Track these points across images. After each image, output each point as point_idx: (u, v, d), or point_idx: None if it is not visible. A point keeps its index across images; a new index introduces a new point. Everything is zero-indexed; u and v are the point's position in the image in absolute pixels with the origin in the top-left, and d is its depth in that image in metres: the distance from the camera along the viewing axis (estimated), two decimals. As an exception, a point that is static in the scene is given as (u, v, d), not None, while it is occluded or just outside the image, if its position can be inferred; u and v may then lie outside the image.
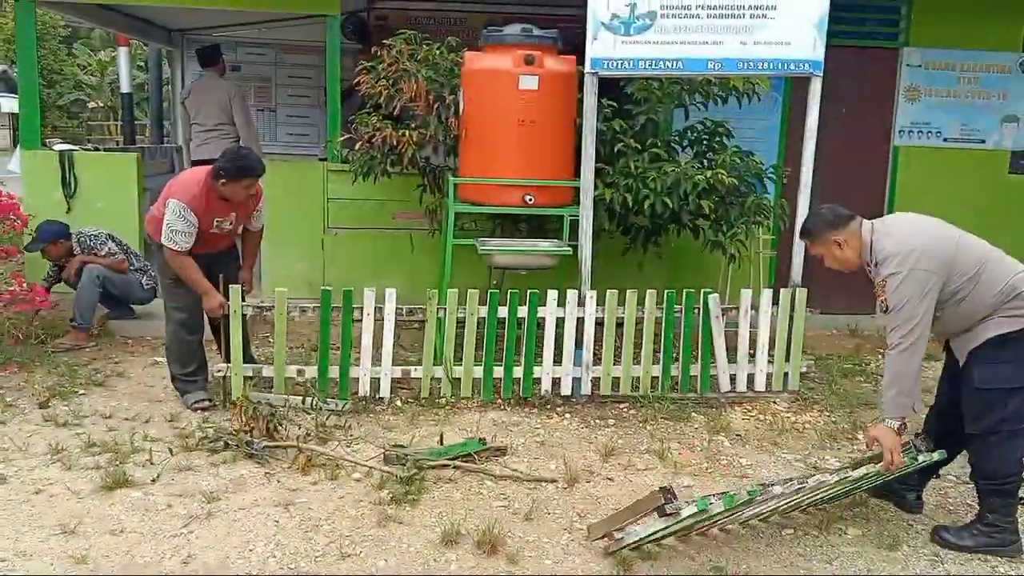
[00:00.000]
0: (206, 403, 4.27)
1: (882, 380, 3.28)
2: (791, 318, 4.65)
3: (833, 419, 4.48)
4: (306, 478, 3.56)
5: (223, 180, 4.15)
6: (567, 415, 4.41)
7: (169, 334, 4.39)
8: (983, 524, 3.18)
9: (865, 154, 6.42)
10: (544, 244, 4.91)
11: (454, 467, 3.68)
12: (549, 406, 4.52)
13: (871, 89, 6.37)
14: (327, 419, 4.09)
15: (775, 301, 4.65)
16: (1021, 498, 3.24)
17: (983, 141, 6.50)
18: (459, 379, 4.48)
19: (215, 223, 4.23)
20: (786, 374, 4.69)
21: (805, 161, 4.63)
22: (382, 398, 4.44)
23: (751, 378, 4.67)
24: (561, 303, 4.53)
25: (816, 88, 4.56)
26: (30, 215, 5.40)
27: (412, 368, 4.50)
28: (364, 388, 4.43)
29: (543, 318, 4.52)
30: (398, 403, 4.45)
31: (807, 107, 4.60)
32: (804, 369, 4.77)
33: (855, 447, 4.15)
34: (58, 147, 6.36)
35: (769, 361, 4.68)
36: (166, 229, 4.12)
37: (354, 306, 4.42)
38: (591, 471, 3.75)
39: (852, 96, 6.21)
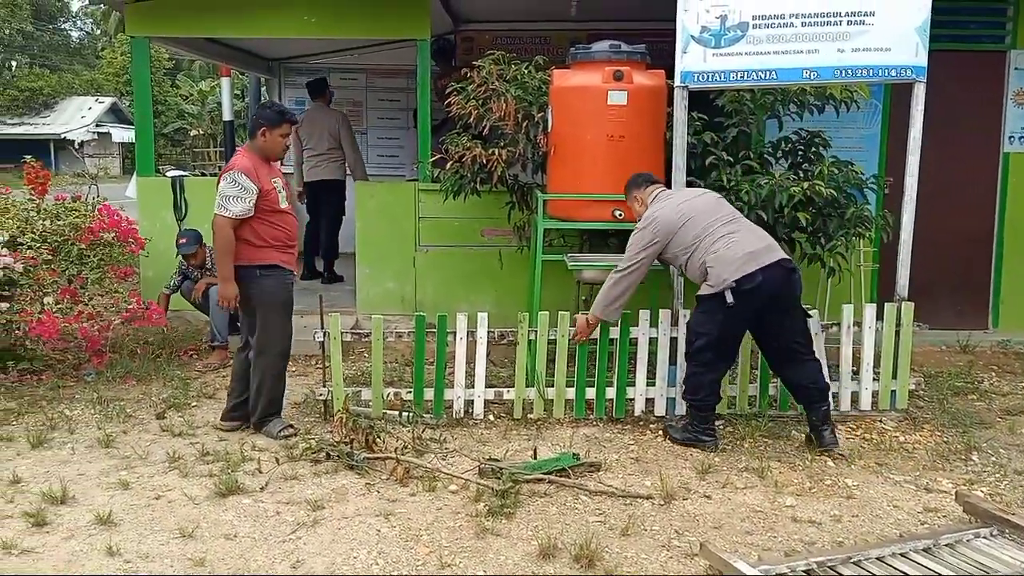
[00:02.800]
0: (291, 430, 4.21)
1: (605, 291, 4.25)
2: (897, 334, 4.47)
3: (945, 439, 4.28)
4: (404, 489, 3.64)
5: (264, 129, 4.10)
6: (661, 431, 4.36)
7: (266, 368, 4.19)
8: (689, 425, 4.19)
9: (973, 162, 6.14)
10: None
11: (548, 481, 3.69)
12: (642, 423, 4.48)
13: (978, 94, 6.10)
14: (422, 432, 4.18)
15: (879, 316, 4.49)
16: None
17: (1099, 146, 6.12)
18: (551, 400, 4.50)
19: (272, 183, 4.12)
20: (893, 392, 4.51)
21: (909, 170, 4.47)
22: (474, 412, 4.50)
23: (855, 396, 4.51)
24: (654, 323, 4.50)
25: (920, 95, 4.40)
26: (146, 238, 5.73)
27: (505, 390, 4.56)
28: (458, 409, 4.51)
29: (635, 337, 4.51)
30: (491, 417, 4.50)
31: (910, 115, 4.45)
32: (912, 387, 4.58)
33: (968, 468, 3.96)
34: (171, 173, 6.73)
35: (875, 379, 4.51)
36: (218, 199, 4.00)
37: (448, 330, 4.51)
38: (688, 488, 3.70)
39: (958, 102, 5.96)
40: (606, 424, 4.46)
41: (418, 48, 6.23)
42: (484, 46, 6.97)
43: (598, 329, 4.44)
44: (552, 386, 4.49)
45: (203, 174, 8.57)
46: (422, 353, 4.51)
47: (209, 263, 5.54)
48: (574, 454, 3.93)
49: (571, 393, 4.51)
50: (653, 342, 4.54)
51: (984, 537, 3.22)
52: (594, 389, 4.51)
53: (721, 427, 4.43)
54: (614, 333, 4.51)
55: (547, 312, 4.51)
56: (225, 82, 10.06)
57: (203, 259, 5.61)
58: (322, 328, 4.45)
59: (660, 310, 4.54)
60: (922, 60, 4.36)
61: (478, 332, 4.52)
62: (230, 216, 4.00)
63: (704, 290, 4.06)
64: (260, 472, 3.76)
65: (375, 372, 4.50)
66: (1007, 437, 4.37)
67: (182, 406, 4.62)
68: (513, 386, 4.54)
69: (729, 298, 3.92)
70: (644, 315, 4.51)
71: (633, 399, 4.53)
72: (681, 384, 4.27)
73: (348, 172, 7.40)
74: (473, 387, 4.52)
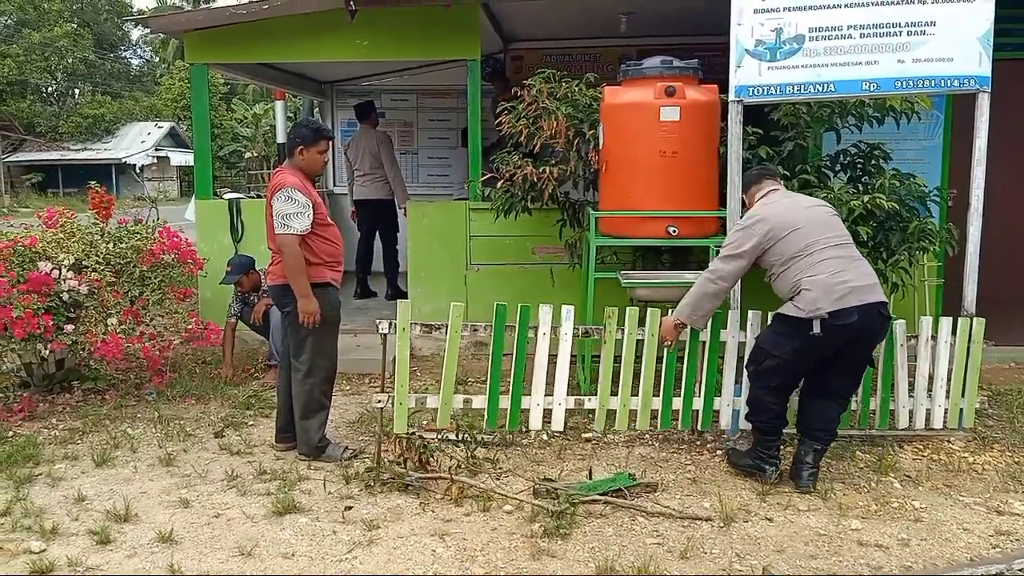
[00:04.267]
0: (350, 452, 4.20)
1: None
2: (967, 350, 4.31)
3: (1016, 459, 4.12)
4: (459, 509, 3.63)
5: (301, 148, 4.10)
6: (718, 452, 4.27)
7: (310, 391, 4.13)
8: (753, 451, 3.96)
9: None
10: (688, 276, 4.81)
11: (604, 502, 3.64)
12: (699, 443, 4.40)
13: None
14: (475, 451, 4.15)
15: (953, 331, 4.32)
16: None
17: None
18: (634, 410, 4.20)
19: (319, 200, 4.13)
20: (961, 410, 4.35)
21: (975, 182, 4.33)
22: (529, 431, 4.46)
23: (926, 414, 4.35)
24: (742, 326, 4.30)
25: (984, 105, 4.27)
26: (204, 259, 5.86)
27: (586, 398, 4.27)
28: (536, 420, 4.16)
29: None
30: (544, 436, 4.46)
31: (975, 126, 4.32)
32: (979, 405, 4.41)
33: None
34: (228, 195, 6.89)
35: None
36: (277, 219, 3.99)
37: (530, 324, 4.14)
38: (748, 510, 3.61)
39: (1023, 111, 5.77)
40: (661, 443, 4.39)
41: (468, 68, 6.28)
42: (534, 64, 6.99)
43: (687, 332, 4.14)
44: (636, 394, 4.18)
45: (258, 196, 8.74)
46: (500, 349, 4.10)
47: (264, 285, 5.62)
48: (630, 474, 3.88)
49: (657, 403, 4.20)
50: (741, 347, 4.24)
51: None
52: (680, 399, 4.22)
53: (587, 400, 4.32)
54: (705, 336, 4.22)
55: (636, 308, 4.17)
56: (279, 105, 10.27)
57: (254, 285, 5.64)
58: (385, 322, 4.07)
59: (748, 311, 4.27)
60: (986, 70, 4.23)
61: (563, 328, 4.12)
62: (295, 233, 4.00)
63: (789, 310, 3.74)
64: (316, 492, 3.79)
65: (447, 377, 4.11)
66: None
67: (239, 425, 4.70)
68: (590, 394, 4.24)
69: (816, 328, 3.61)
70: (733, 316, 4.25)
71: (719, 410, 4.27)
72: (744, 405, 4.06)
73: None
74: (551, 395, 4.15)
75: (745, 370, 4.02)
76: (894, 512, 3.59)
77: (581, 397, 4.33)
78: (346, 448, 4.24)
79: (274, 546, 3.30)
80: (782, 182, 4.21)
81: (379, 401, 4.11)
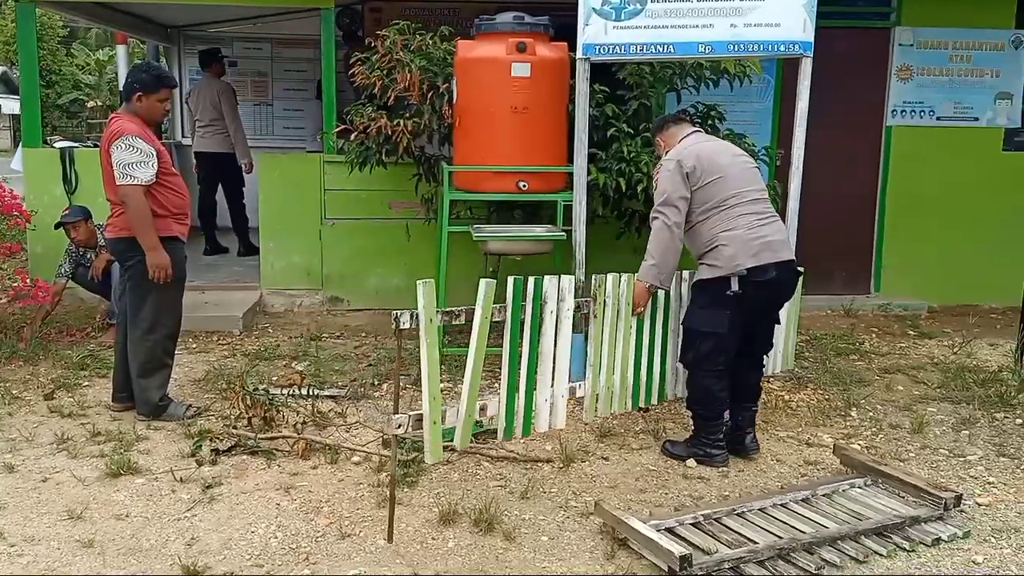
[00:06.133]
0: (194, 410, 4.07)
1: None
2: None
3: (826, 397, 4.53)
4: (306, 463, 3.62)
5: (139, 94, 3.88)
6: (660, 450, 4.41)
7: (151, 348, 3.95)
8: (695, 439, 3.75)
9: (858, 134, 6.45)
10: (538, 229, 4.96)
11: (450, 449, 3.73)
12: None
13: (864, 69, 6.39)
14: (322, 404, 4.14)
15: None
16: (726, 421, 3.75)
17: (976, 119, 6.52)
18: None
19: (163, 148, 3.95)
20: (780, 355, 4.72)
21: (796, 143, 4.63)
22: (379, 383, 4.49)
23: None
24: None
25: (807, 69, 4.56)
26: (32, 211, 5.46)
27: (577, 385, 3.56)
28: (543, 423, 3.41)
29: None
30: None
31: (797, 89, 4.62)
32: (796, 349, 4.80)
33: (847, 423, 4.21)
34: (59, 144, 6.43)
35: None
36: (118, 169, 3.76)
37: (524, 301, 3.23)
38: (586, 451, 3.81)
39: (845, 76, 6.23)
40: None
41: (322, 17, 6.09)
42: (393, 18, 6.83)
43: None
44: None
45: (95, 145, 8.19)
46: (516, 336, 3.21)
47: (101, 240, 5.30)
48: (478, 421, 3.98)
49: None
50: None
51: (858, 487, 3.44)
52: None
53: (578, 387, 4.50)
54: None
55: (616, 274, 3.61)
56: (121, 50, 9.60)
57: (89, 237, 5.29)
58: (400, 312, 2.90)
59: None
60: (809, 35, 4.51)
61: (565, 303, 3.35)
62: (139, 183, 3.78)
63: (704, 273, 3.58)
64: (156, 452, 3.68)
65: (471, 383, 3.08)
66: (884, 394, 4.66)
67: (72, 386, 4.46)
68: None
69: (734, 285, 3.47)
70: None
71: None
72: (687, 399, 3.80)
73: None
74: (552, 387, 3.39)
75: (680, 363, 3.80)
76: (718, 447, 3.89)
77: (572, 384, 3.54)
78: (189, 406, 4.12)
79: (106, 507, 3.19)
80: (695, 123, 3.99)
81: (399, 425, 2.96)
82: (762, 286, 3.52)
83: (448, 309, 3.08)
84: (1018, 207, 6.31)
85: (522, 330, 3.26)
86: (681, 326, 3.78)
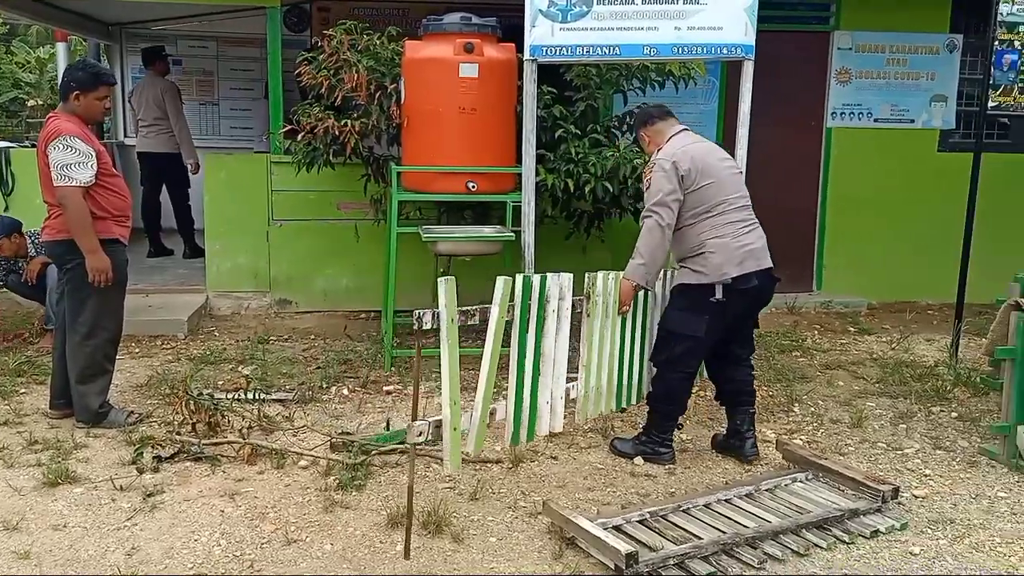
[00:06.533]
0: (136, 416, 4.00)
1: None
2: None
3: (770, 393, 4.63)
4: (252, 468, 3.57)
5: (77, 92, 3.79)
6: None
7: (91, 354, 3.87)
8: (644, 436, 3.78)
9: (800, 135, 6.60)
10: (487, 230, 4.96)
11: (401, 452, 3.72)
12: (496, 390, 4.56)
13: (805, 72, 6.54)
14: (269, 409, 4.09)
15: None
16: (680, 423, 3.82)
17: (912, 121, 6.73)
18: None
19: (102, 148, 3.88)
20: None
21: (739, 144, 4.73)
22: (328, 386, 4.45)
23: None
24: None
25: (748, 72, 4.66)
26: (-36, 214, 5.29)
27: (570, 386, 3.47)
28: (545, 425, 3.33)
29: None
30: (344, 391, 4.47)
31: (740, 91, 4.71)
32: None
33: (790, 419, 4.30)
34: (-7, 144, 6.24)
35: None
36: (56, 170, 3.67)
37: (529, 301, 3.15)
38: (536, 451, 3.82)
39: (786, 79, 6.37)
40: (460, 393, 4.52)
41: (268, 16, 6.01)
42: (341, 17, 6.79)
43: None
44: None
45: (35, 145, 7.97)
46: (525, 335, 3.16)
47: (32, 251, 5.13)
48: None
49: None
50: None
51: (800, 481, 3.52)
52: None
53: (571, 388, 4.57)
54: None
55: (605, 272, 3.58)
56: (61, 48, 9.35)
57: (18, 250, 5.10)
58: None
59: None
60: (751, 39, 4.61)
61: (564, 302, 3.30)
62: (77, 184, 3.70)
63: (688, 277, 3.58)
64: (96, 460, 3.59)
65: (485, 385, 3.04)
66: (825, 389, 4.78)
67: (9, 394, 4.32)
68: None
69: (719, 293, 3.49)
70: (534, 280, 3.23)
71: None
72: (648, 386, 3.83)
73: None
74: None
75: (650, 363, 3.80)
76: (665, 444, 3.94)
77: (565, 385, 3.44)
78: (131, 413, 4.03)
79: (44, 518, 3.10)
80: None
81: (419, 432, 2.90)
82: (744, 294, 3.55)
83: (463, 308, 2.94)
84: (953, 206, 6.50)
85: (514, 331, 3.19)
86: (656, 327, 3.78)
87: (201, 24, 8.54)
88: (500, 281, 3.00)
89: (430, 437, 2.92)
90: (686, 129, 3.82)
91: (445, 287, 2.82)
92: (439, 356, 2.89)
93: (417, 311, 2.82)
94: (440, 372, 2.94)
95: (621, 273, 3.62)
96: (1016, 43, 5.06)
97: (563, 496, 3.41)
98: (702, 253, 3.54)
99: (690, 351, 3.60)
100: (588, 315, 3.52)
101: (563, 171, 4.86)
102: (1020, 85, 5.12)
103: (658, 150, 3.71)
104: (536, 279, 3.19)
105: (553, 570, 2.87)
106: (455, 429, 2.92)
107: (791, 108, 6.50)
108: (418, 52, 4.84)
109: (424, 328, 2.79)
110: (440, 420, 2.95)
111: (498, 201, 4.95)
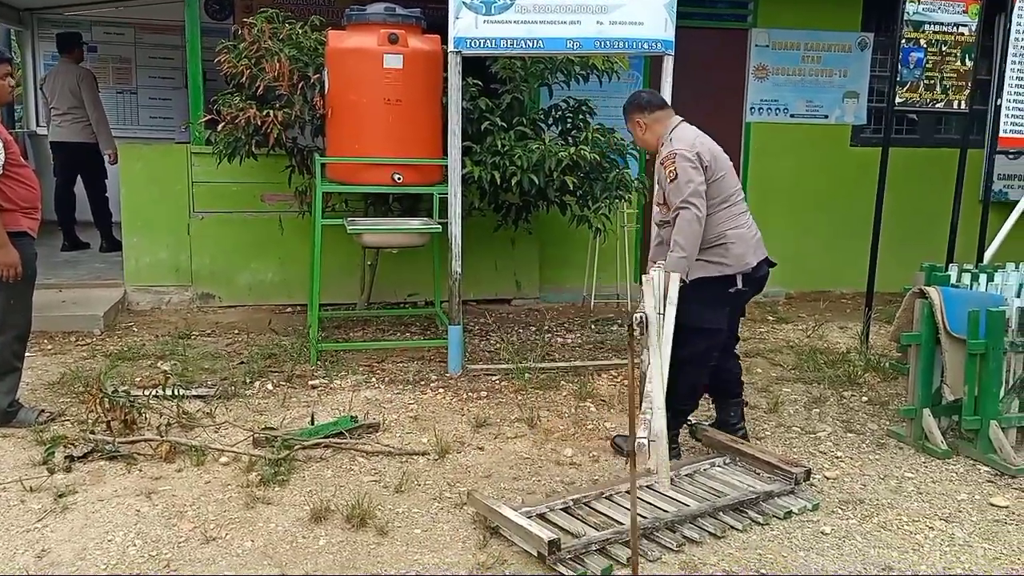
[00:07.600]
0: (47, 415, 3.88)
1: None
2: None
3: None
4: (170, 466, 3.49)
5: None
6: (440, 390, 4.48)
7: (1, 351, 3.76)
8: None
9: (720, 130, 6.70)
10: (414, 222, 4.95)
11: (325, 446, 3.69)
12: (423, 383, 4.58)
13: (724, 68, 6.71)
14: (189, 405, 4.00)
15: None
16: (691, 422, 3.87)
17: (826, 116, 6.97)
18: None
19: (10, 137, 3.76)
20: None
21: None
22: (252, 382, 4.38)
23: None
24: None
25: (669, 67, 4.76)
26: None
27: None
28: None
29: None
30: (268, 386, 4.41)
31: (660, 86, 4.80)
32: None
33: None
34: None
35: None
36: None
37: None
38: (462, 442, 3.84)
39: (706, 74, 6.52)
40: (387, 386, 4.51)
41: (186, 3, 5.84)
42: (265, 3, 6.66)
43: None
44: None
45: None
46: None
47: None
48: (352, 416, 3.96)
49: None
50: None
51: (718, 466, 3.63)
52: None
53: (496, 381, 4.63)
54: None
55: (657, 267, 3.47)
56: (-34, 32, 8.89)
57: None
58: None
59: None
60: (670, 34, 4.71)
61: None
62: None
63: (710, 270, 3.51)
64: (3, 461, 3.45)
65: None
66: (744, 377, 4.83)
67: (-92, 395, 4.11)
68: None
69: (739, 283, 3.52)
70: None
71: None
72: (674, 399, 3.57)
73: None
74: None
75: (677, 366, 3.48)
76: (589, 433, 4.01)
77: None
78: (42, 411, 3.89)
79: (-56, 524, 2.98)
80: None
81: (616, 440, 3.16)
82: (755, 282, 3.62)
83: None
84: (865, 199, 6.76)
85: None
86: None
87: (117, 10, 8.23)
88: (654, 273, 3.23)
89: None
90: (682, 117, 3.75)
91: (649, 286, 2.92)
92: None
93: (638, 314, 3.08)
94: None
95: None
96: (921, 41, 5.28)
97: (489, 486, 3.43)
98: (723, 244, 3.53)
99: (713, 345, 3.59)
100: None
101: (489, 163, 4.87)
102: (925, 82, 5.35)
103: (669, 141, 3.60)
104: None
105: (477, 559, 2.90)
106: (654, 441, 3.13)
107: (711, 103, 6.64)
108: (342, 42, 4.78)
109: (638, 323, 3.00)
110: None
111: (425, 193, 4.94)
